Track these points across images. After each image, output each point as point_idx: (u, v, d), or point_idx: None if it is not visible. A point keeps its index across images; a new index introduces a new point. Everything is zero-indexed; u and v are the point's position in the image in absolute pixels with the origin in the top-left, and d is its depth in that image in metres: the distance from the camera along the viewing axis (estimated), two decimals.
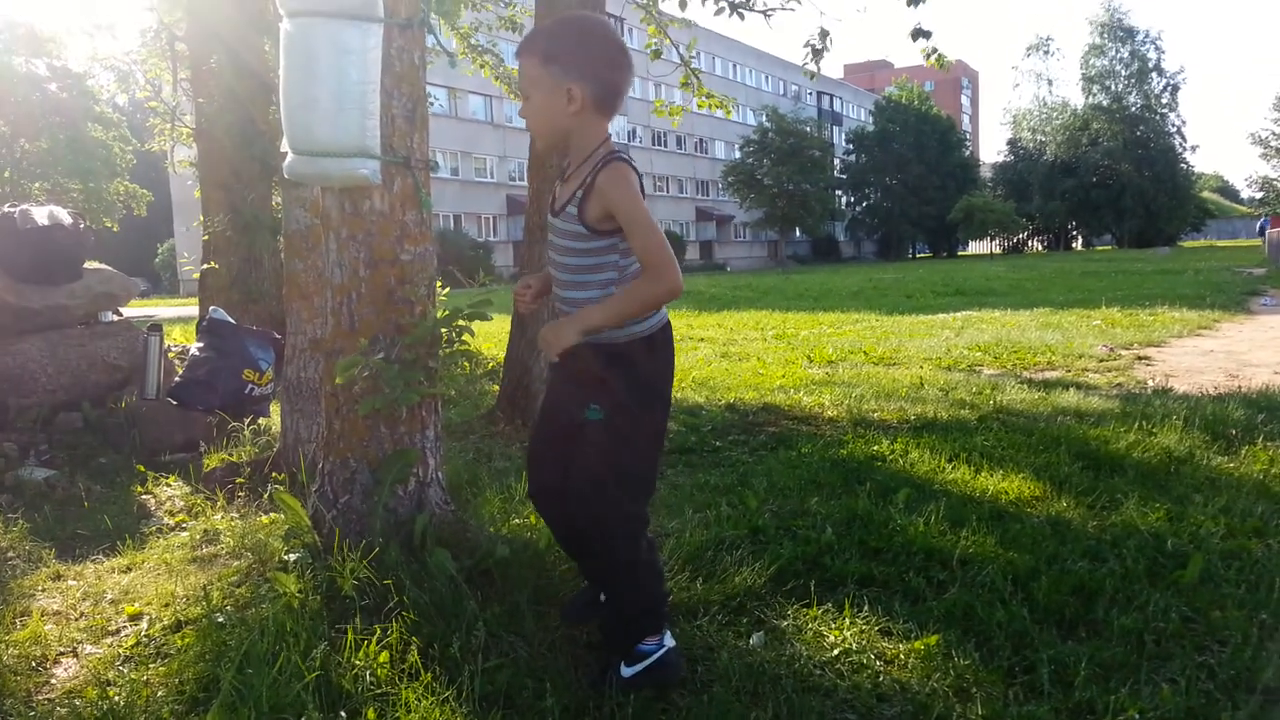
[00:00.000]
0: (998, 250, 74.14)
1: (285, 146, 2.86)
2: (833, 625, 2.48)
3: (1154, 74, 69.25)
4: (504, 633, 2.39)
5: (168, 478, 4.44)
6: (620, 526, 2.20)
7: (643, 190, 2.09)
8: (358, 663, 2.21)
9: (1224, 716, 2.00)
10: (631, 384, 2.13)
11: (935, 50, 7.27)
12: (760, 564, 2.87)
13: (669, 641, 2.23)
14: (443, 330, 3.02)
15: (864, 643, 2.37)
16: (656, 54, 8.21)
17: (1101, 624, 2.44)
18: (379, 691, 2.12)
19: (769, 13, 7.84)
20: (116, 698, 2.15)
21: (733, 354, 9.05)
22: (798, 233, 65.09)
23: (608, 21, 2.24)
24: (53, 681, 2.35)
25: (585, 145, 2.13)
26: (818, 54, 7.46)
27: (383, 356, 2.86)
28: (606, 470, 2.16)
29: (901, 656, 2.30)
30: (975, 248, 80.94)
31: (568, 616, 2.53)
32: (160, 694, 2.17)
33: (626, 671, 2.17)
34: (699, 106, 9.26)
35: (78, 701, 2.17)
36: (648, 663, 2.18)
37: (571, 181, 2.15)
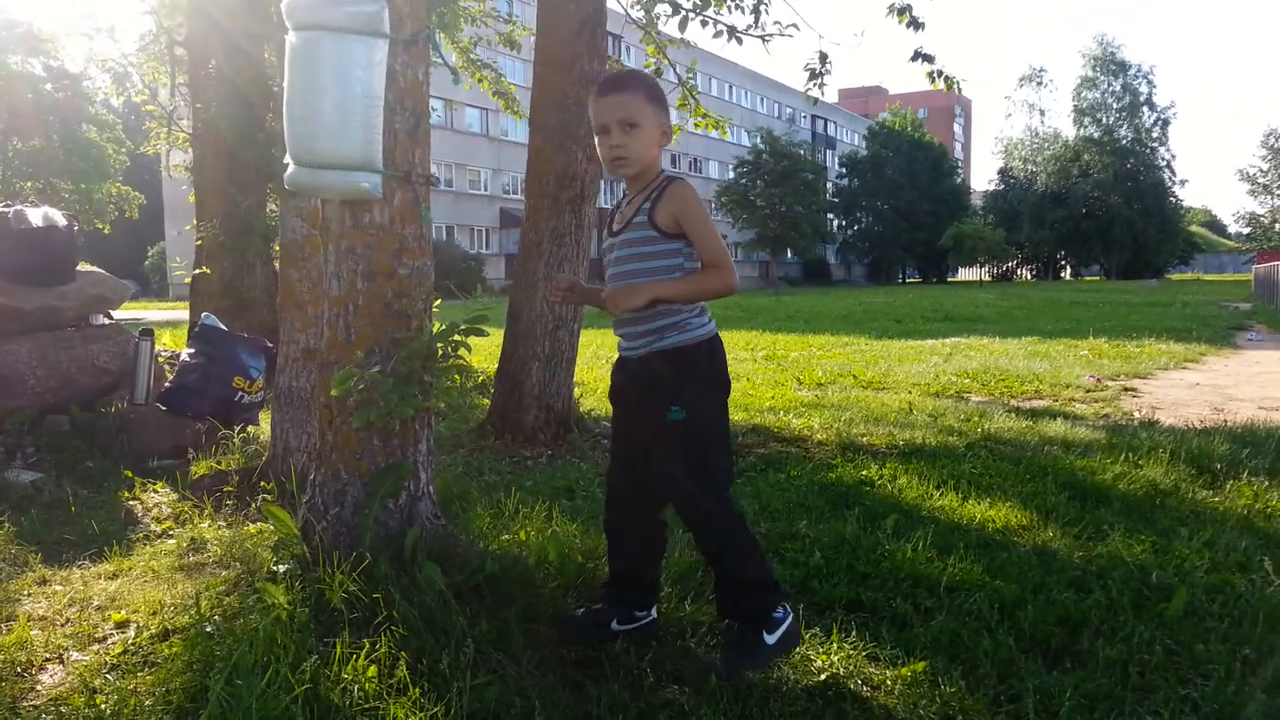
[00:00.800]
0: (987, 277, 74.63)
1: (287, 157, 2.88)
2: (820, 649, 2.49)
3: (1145, 108, 70.13)
4: (492, 650, 2.38)
5: (155, 484, 4.42)
6: (729, 512, 2.43)
7: None
8: (346, 676, 2.21)
9: None
10: (703, 381, 2.40)
11: (940, 72, 7.29)
12: None
13: (789, 610, 2.49)
14: (439, 344, 3.03)
15: (851, 668, 2.38)
16: (656, 74, 8.26)
17: (1087, 654, 2.46)
18: (367, 706, 2.12)
19: (767, 38, 7.90)
20: (104, 705, 2.14)
21: None
22: (789, 254, 65.34)
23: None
24: (39, 688, 2.33)
25: (650, 176, 2.43)
26: (816, 77, 7.51)
27: (378, 369, 2.86)
28: (701, 465, 2.38)
29: (888, 682, 2.31)
30: (964, 274, 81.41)
31: (568, 632, 2.54)
32: (148, 703, 2.15)
33: (770, 639, 2.38)
34: (695, 127, 9.32)
35: (64, 709, 2.16)
36: (785, 627, 2.42)
37: (634, 201, 2.43)
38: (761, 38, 7.75)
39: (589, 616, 2.59)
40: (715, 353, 2.44)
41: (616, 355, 2.56)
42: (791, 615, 2.47)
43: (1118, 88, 70.15)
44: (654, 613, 2.63)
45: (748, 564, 2.44)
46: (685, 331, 2.38)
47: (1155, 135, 70.63)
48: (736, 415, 6.34)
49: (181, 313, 20.45)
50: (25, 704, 2.23)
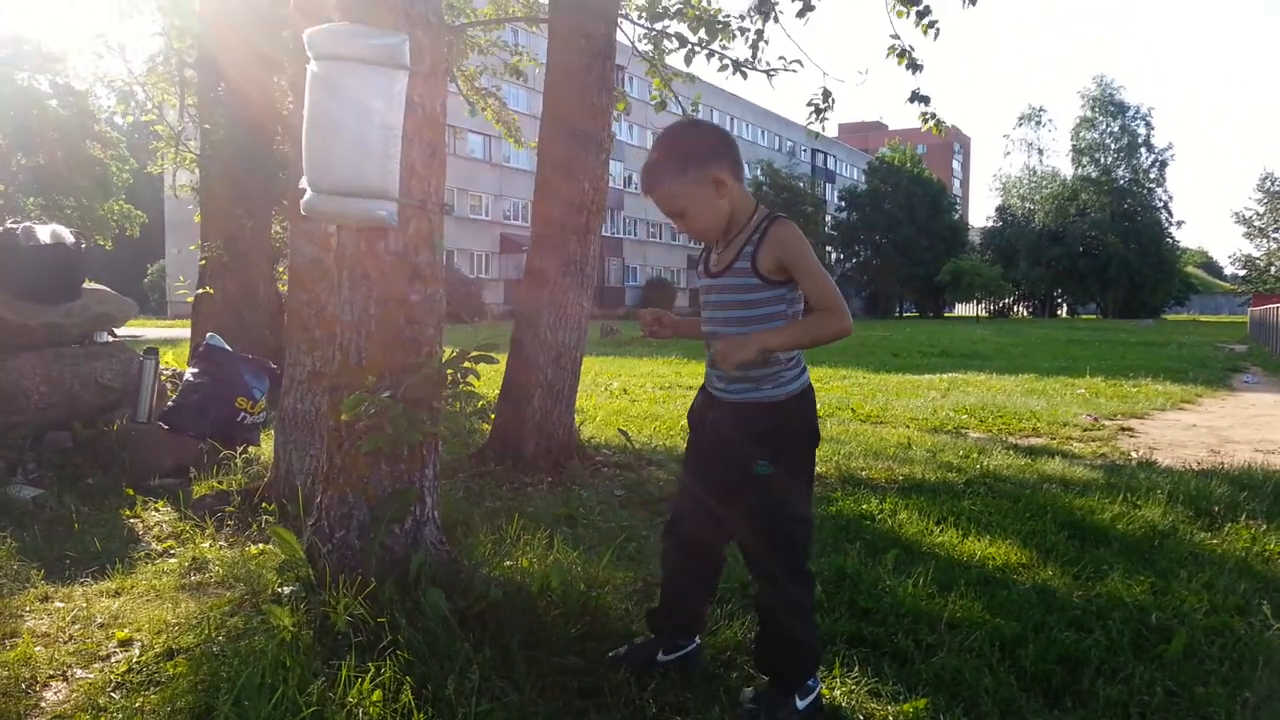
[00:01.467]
0: (984, 313, 74.90)
1: (304, 182, 2.92)
2: (822, 684, 2.50)
3: (1143, 149, 70.75)
4: (495, 676, 2.39)
5: (157, 503, 4.43)
6: (800, 571, 2.39)
7: None
8: (351, 700, 2.22)
9: None
10: (794, 437, 2.35)
11: (934, 115, 7.43)
12: (750, 619, 2.88)
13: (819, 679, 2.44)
14: (449, 371, 3.06)
15: (853, 702, 2.40)
16: (661, 105, 8.36)
17: (1088, 694, 2.47)
18: None
19: (772, 72, 8.00)
20: None
21: None
22: None
23: (686, 122, 2.53)
24: (43, 705, 2.34)
25: (741, 216, 2.33)
26: (820, 112, 7.62)
27: (389, 395, 2.89)
28: (781, 520, 2.33)
29: (890, 718, 2.32)
30: (961, 310, 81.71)
31: (617, 666, 2.53)
32: None
33: (801, 704, 2.33)
34: None
35: None
36: (813, 696, 2.36)
37: (735, 243, 2.32)
38: (766, 72, 7.86)
39: (635, 652, 2.59)
40: (808, 405, 2.38)
41: (702, 381, 2.51)
42: (820, 686, 2.41)
43: (1116, 129, 70.81)
44: (697, 640, 2.63)
45: (803, 626, 2.38)
46: (780, 385, 2.32)
47: (1153, 176, 71.21)
48: None
49: (180, 331, 20.46)
50: None
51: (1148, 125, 71.04)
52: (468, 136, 45.82)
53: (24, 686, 2.42)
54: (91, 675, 2.50)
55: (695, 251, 2.61)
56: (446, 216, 3.25)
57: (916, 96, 7.34)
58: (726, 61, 7.71)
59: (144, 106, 13.27)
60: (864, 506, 4.52)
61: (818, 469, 5.58)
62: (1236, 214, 62.38)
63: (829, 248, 70.60)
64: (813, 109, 7.92)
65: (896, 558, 3.56)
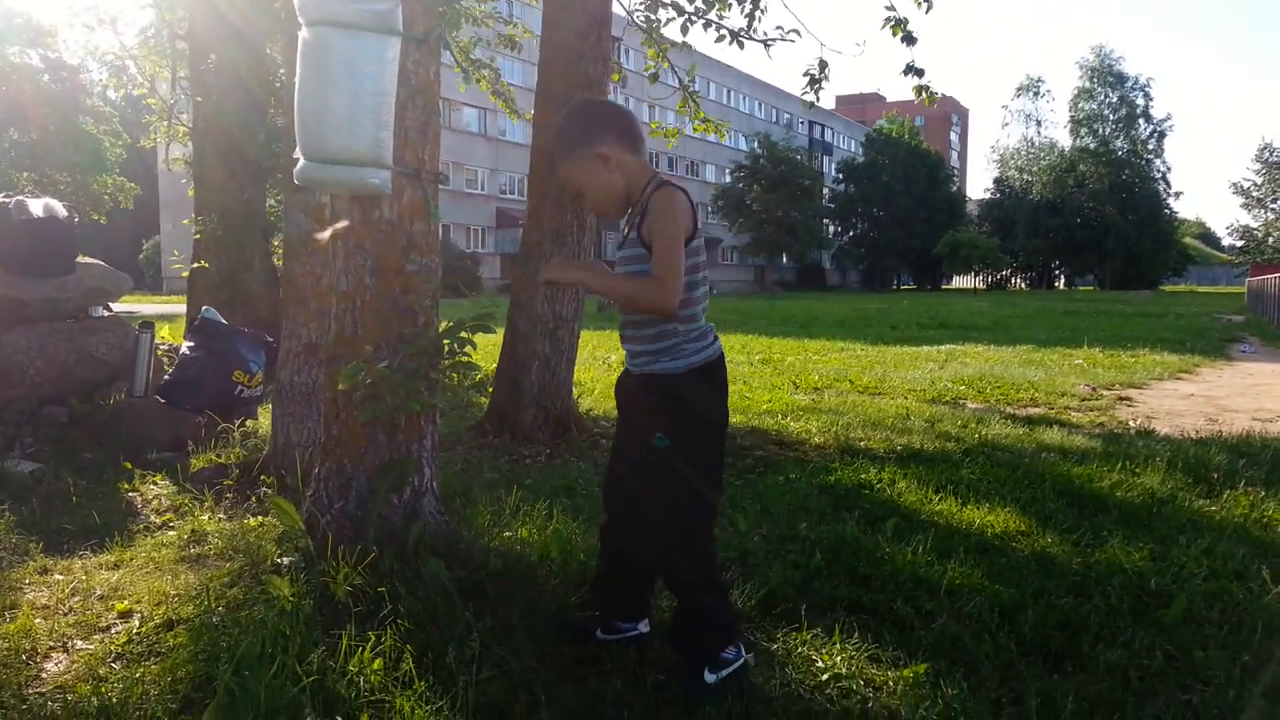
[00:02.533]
0: (981, 285, 74.72)
1: (297, 152, 2.88)
2: (822, 650, 2.50)
3: (1141, 120, 70.41)
4: (496, 645, 2.40)
5: (154, 476, 4.42)
6: (700, 546, 2.34)
7: (695, 214, 2.23)
8: (352, 668, 2.22)
9: None
10: (690, 413, 2.26)
11: (925, 87, 7.38)
12: (750, 587, 2.89)
13: (745, 652, 2.37)
14: (445, 341, 3.04)
15: (854, 668, 2.40)
16: (654, 77, 8.27)
17: (1087, 659, 2.48)
18: (374, 698, 2.13)
19: (769, 42, 7.92)
20: (110, 694, 2.14)
21: None
22: (784, 259, 65.50)
23: (577, 102, 2.57)
24: (44, 675, 2.34)
25: (637, 187, 2.30)
26: (815, 83, 7.55)
27: (385, 365, 2.87)
28: (677, 497, 2.27)
29: (891, 683, 2.33)
30: (959, 282, 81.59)
31: (560, 630, 2.55)
32: (154, 692, 2.16)
33: (710, 677, 2.28)
34: (695, 130, 9.33)
35: (70, 697, 2.16)
36: (732, 669, 2.30)
37: (631, 218, 2.33)
38: (763, 42, 7.78)
39: (580, 623, 2.59)
40: (711, 381, 2.30)
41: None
42: (745, 658, 2.35)
43: (1115, 99, 70.44)
44: (644, 627, 2.56)
45: (706, 604, 2.33)
46: (678, 358, 2.25)
47: (1151, 147, 70.92)
48: (734, 418, 6.36)
49: (176, 306, 20.41)
50: (31, 691, 2.23)
51: (1146, 96, 70.73)
52: (463, 110, 45.52)
53: (24, 658, 2.41)
54: (91, 646, 2.50)
55: None
56: (441, 190, 3.22)
57: (911, 69, 7.28)
58: (723, 31, 7.62)
59: (135, 80, 13.16)
60: (863, 476, 4.52)
61: (817, 439, 5.62)
62: (1234, 185, 62.41)
63: (826, 220, 70.42)
64: (809, 79, 7.84)
65: (896, 526, 3.56)
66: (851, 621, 2.68)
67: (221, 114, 8.33)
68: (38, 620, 2.66)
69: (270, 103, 8.22)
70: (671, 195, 2.21)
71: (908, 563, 3.15)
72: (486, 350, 7.20)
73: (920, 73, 7.24)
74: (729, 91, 65.95)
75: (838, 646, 2.51)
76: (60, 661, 2.43)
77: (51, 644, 2.52)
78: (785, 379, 9.01)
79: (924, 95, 7.43)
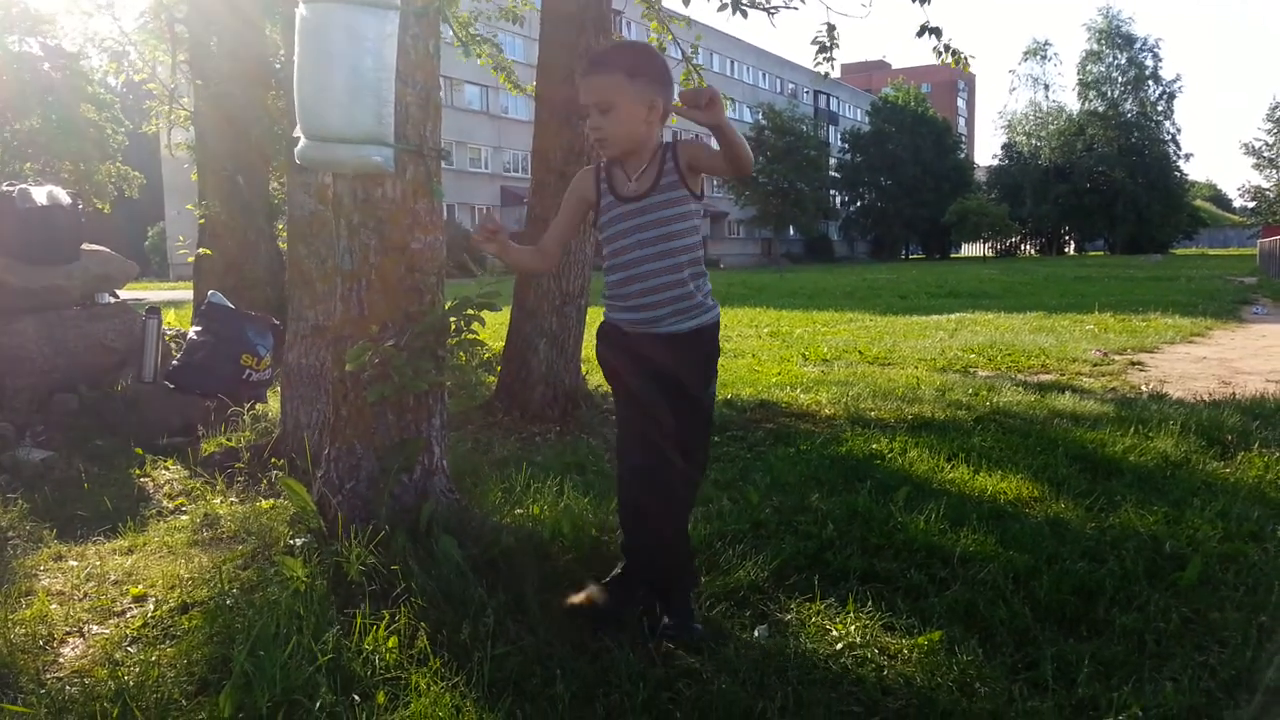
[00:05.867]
0: (990, 253, 74.40)
1: (297, 131, 2.86)
2: (836, 620, 2.50)
3: (1150, 82, 69.59)
4: (510, 621, 2.40)
5: (166, 461, 4.44)
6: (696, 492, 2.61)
7: None
8: (367, 647, 2.22)
9: (1225, 715, 2.02)
10: (717, 360, 2.51)
11: (949, 46, 7.19)
12: (763, 558, 2.88)
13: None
14: (451, 319, 3.03)
15: (868, 637, 2.39)
16: (660, 48, 8.19)
17: (1103, 623, 2.46)
18: (389, 675, 2.14)
19: (772, 10, 7.83)
20: (127, 677, 2.15)
21: (728, 350, 9.07)
22: (791, 231, 65.18)
23: (646, 44, 2.50)
24: (61, 661, 2.35)
25: (648, 152, 2.36)
26: (825, 51, 7.44)
27: (392, 344, 2.86)
28: (710, 437, 2.55)
29: (905, 651, 2.32)
30: (968, 250, 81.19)
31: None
32: (171, 674, 2.17)
33: (696, 626, 2.41)
34: None
35: (87, 680, 2.18)
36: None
37: (647, 173, 2.36)
38: (767, 10, 7.69)
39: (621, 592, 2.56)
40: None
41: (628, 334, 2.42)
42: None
43: (1123, 61, 69.61)
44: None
45: (685, 549, 2.54)
46: (709, 309, 2.42)
47: (1160, 109, 70.15)
48: (744, 391, 6.35)
49: (183, 292, 20.44)
50: (49, 676, 2.24)
51: (1155, 57, 69.87)
52: (464, 87, 45.32)
53: (41, 643, 2.43)
54: (107, 631, 2.51)
55: None
56: (445, 169, 3.20)
57: (927, 29, 7.11)
58: (726, 1, 7.54)
59: (135, 66, 13.10)
60: (874, 446, 4.50)
61: (827, 411, 5.61)
62: (1245, 145, 61.55)
63: (833, 190, 69.98)
64: (819, 47, 7.73)
65: (907, 495, 3.55)
66: (865, 591, 2.68)
67: (222, 98, 8.30)
68: (53, 606, 2.67)
69: (272, 85, 8.18)
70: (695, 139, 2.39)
71: (920, 531, 3.14)
72: (494, 329, 7.21)
73: (938, 32, 7.04)
74: (732, 63, 65.43)
75: (851, 616, 2.51)
76: (77, 646, 2.44)
77: (68, 629, 2.53)
78: (794, 351, 8.98)
79: (946, 56, 7.22)
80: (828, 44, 7.43)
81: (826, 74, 7.79)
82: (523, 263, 2.69)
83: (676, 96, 2.30)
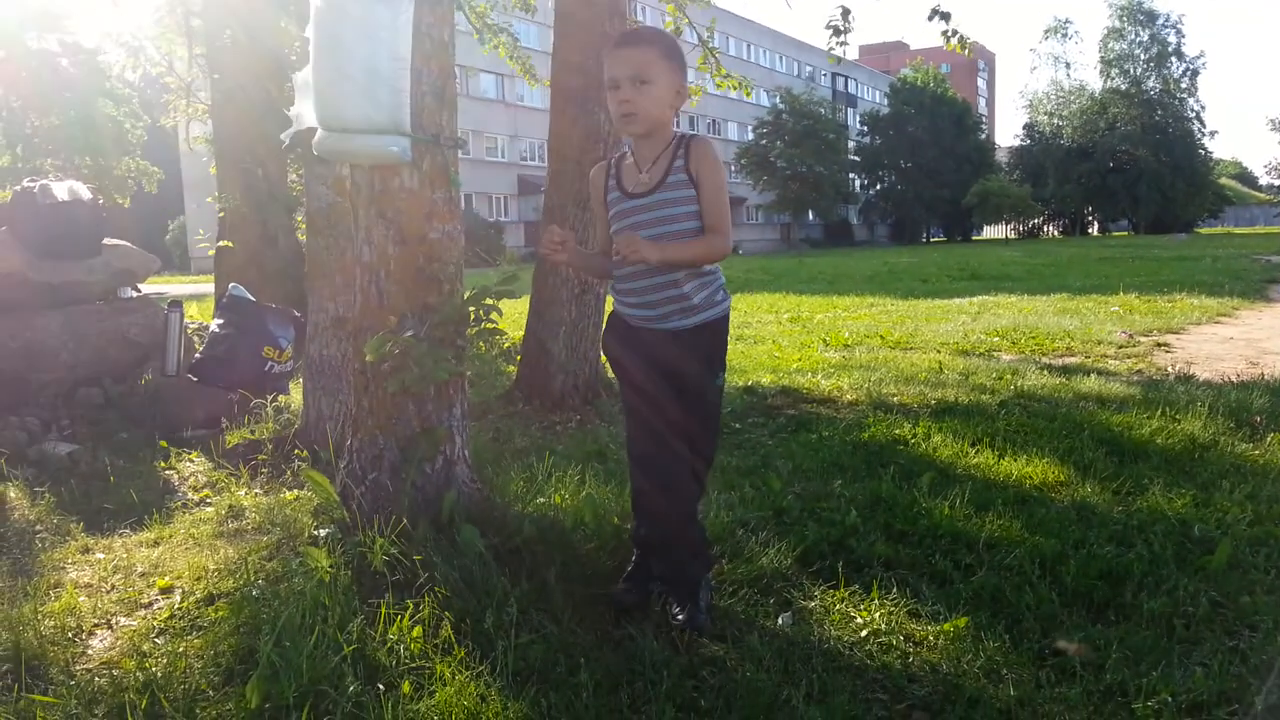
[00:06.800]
0: (1013, 235, 73.68)
1: (313, 122, 2.86)
2: (860, 606, 2.49)
3: (1174, 58, 68.55)
4: (534, 610, 2.40)
5: (190, 454, 4.47)
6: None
7: None
8: (392, 636, 2.23)
9: (1256, 700, 2.00)
10: (724, 353, 2.50)
11: (956, 32, 7.16)
12: (786, 545, 2.87)
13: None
14: (470, 308, 3.02)
15: (893, 624, 2.38)
16: (676, 32, 8.14)
17: (1131, 608, 2.44)
18: (414, 665, 2.14)
19: None
20: (155, 669, 2.17)
21: (748, 336, 9.04)
22: (810, 216, 64.81)
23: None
24: (89, 652, 2.37)
25: (664, 137, 2.37)
26: (839, 34, 7.37)
27: (412, 334, 2.86)
28: (718, 428, 2.56)
29: (931, 638, 2.31)
30: (990, 232, 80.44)
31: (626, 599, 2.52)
32: (198, 665, 2.19)
33: (704, 604, 2.42)
34: (717, 87, 9.19)
35: (116, 672, 2.20)
36: (708, 594, 2.50)
37: (658, 165, 2.35)
38: None
39: (638, 579, 2.58)
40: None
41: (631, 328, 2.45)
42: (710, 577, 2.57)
43: (1145, 38, 68.60)
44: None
45: (700, 533, 2.57)
46: (717, 304, 2.42)
47: (1184, 86, 69.13)
48: (765, 377, 6.32)
49: (205, 286, 20.58)
50: (78, 667, 2.27)
51: (1178, 33, 68.79)
52: (480, 76, 45.27)
53: (70, 635, 2.45)
54: (135, 623, 2.53)
55: None
56: (462, 158, 3.19)
57: (936, 13, 7.06)
58: None
59: (153, 60, 13.15)
60: (897, 431, 4.47)
61: (849, 396, 5.58)
62: (1272, 121, 60.69)
63: (852, 174, 69.52)
64: (832, 31, 7.66)
65: (932, 480, 3.52)
66: (889, 577, 2.66)
67: (239, 90, 8.32)
68: (81, 598, 2.70)
69: (288, 77, 8.18)
70: (713, 146, 2.36)
71: (945, 517, 3.11)
72: (513, 319, 7.23)
73: (947, 16, 7.02)
74: (749, 46, 65.05)
75: (876, 603, 2.49)
76: (105, 638, 2.47)
77: (96, 621, 2.56)
78: (815, 337, 8.94)
79: (953, 42, 7.20)
80: (842, 27, 7.35)
81: (839, 58, 7.72)
82: (595, 266, 2.66)
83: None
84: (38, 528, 3.44)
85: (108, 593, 2.77)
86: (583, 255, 2.63)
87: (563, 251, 2.44)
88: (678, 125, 2.47)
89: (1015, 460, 3.84)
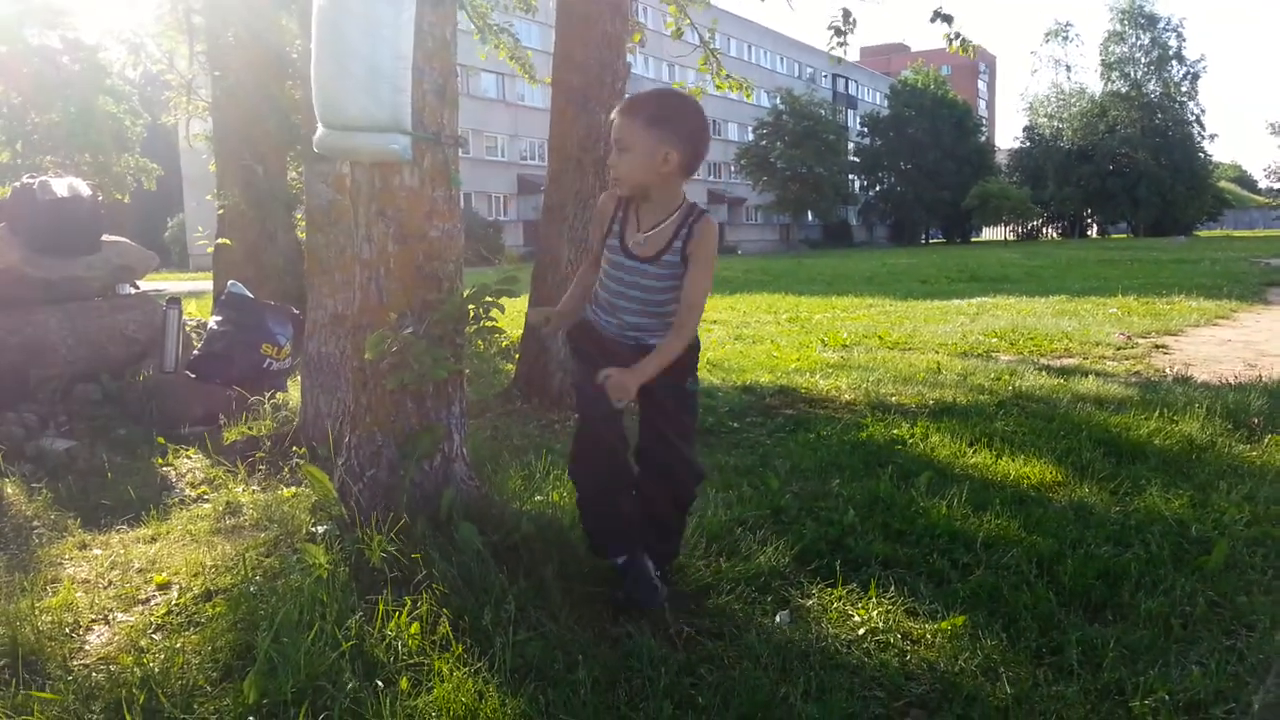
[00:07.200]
0: (1012, 237, 73.75)
1: (315, 120, 2.86)
2: (858, 605, 2.49)
3: (1174, 62, 68.57)
4: (531, 607, 2.40)
5: (188, 450, 4.47)
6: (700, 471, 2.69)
7: None
8: (390, 633, 2.23)
9: (1253, 699, 2.00)
10: (696, 364, 2.58)
11: (958, 35, 7.18)
12: (783, 544, 2.87)
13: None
14: (469, 307, 3.02)
15: (890, 622, 2.38)
16: (679, 33, 8.15)
17: (1128, 607, 2.44)
18: (412, 661, 2.14)
19: None
20: (152, 664, 2.17)
21: (746, 336, 9.04)
22: (810, 216, 64.85)
23: (688, 96, 2.51)
24: (87, 648, 2.37)
25: (667, 200, 2.41)
26: (840, 35, 7.38)
27: (411, 332, 2.86)
28: (695, 430, 2.66)
29: (928, 636, 2.31)
30: (989, 234, 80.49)
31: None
32: (195, 661, 2.19)
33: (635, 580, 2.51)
34: (718, 88, 9.20)
35: (113, 667, 2.20)
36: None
37: (662, 232, 2.41)
38: None
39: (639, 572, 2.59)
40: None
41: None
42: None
43: (1146, 41, 68.61)
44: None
45: (680, 525, 2.70)
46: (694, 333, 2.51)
47: (1184, 89, 69.15)
48: (763, 377, 6.33)
49: (204, 283, 20.56)
50: (76, 663, 2.27)
51: (1179, 37, 68.78)
52: (480, 75, 45.25)
53: (68, 631, 2.45)
54: (132, 618, 2.53)
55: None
56: (462, 157, 3.19)
57: (939, 15, 7.09)
58: None
59: (153, 57, 13.14)
60: (895, 431, 4.48)
61: (847, 396, 5.58)
62: (1272, 125, 60.79)
63: (852, 176, 69.54)
64: (833, 32, 7.67)
65: (929, 480, 3.53)
66: (887, 576, 2.67)
67: (239, 88, 8.32)
68: (79, 594, 2.70)
69: (289, 74, 8.19)
70: (715, 229, 2.42)
71: (943, 517, 3.12)
72: (513, 317, 7.21)
73: (949, 19, 7.04)
74: (750, 47, 65.06)
75: (873, 601, 2.50)
76: (102, 634, 2.47)
77: (93, 617, 2.55)
78: (813, 337, 8.94)
79: (955, 44, 7.23)
80: (843, 28, 7.37)
81: (840, 59, 7.74)
82: (581, 306, 2.70)
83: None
84: (35, 523, 3.44)
85: (105, 588, 2.77)
86: (567, 313, 2.67)
87: (549, 325, 2.70)
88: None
89: (1013, 460, 3.85)
